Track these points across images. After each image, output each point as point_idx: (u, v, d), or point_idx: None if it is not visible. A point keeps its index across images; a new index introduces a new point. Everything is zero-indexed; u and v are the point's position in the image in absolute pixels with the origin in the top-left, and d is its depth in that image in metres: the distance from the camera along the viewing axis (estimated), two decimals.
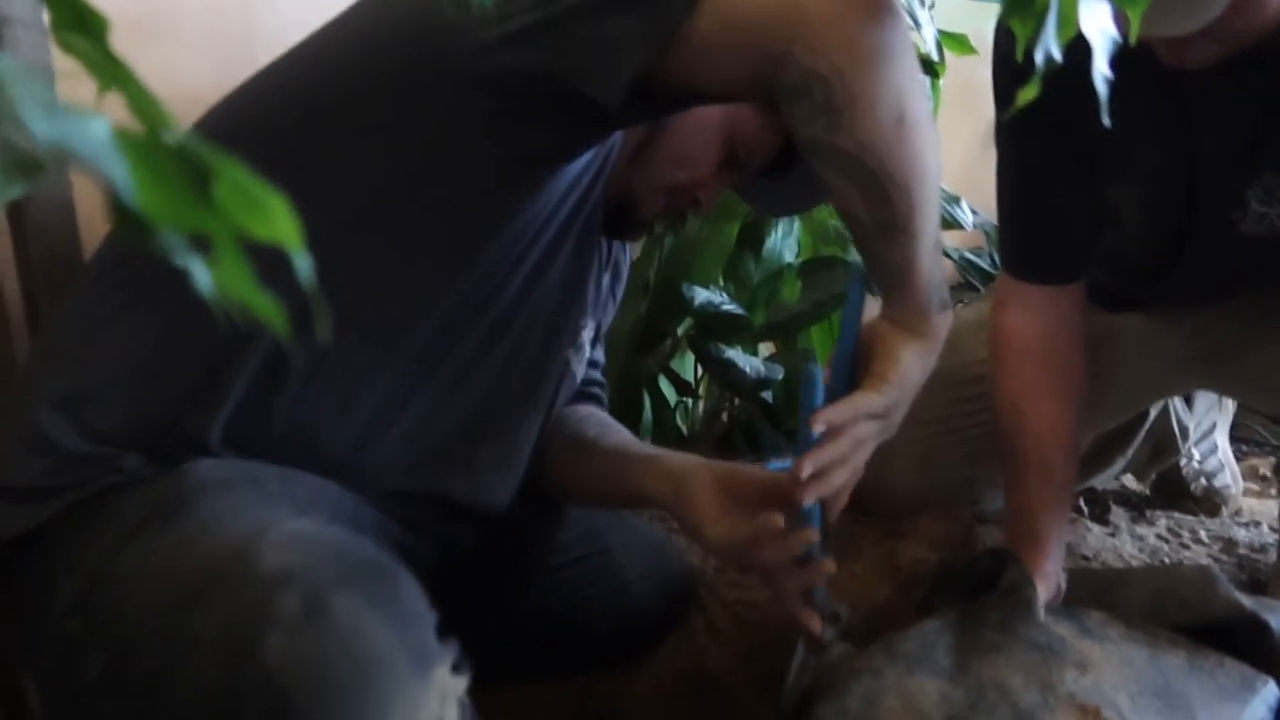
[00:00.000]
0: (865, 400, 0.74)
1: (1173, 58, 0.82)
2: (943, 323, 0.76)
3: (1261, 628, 0.88)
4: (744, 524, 0.78)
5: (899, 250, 0.73)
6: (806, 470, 0.73)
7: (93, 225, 0.89)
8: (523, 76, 0.67)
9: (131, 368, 0.67)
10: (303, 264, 0.23)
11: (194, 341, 0.68)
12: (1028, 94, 0.49)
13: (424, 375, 0.76)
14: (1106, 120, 0.49)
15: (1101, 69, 0.47)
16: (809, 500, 0.75)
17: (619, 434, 0.96)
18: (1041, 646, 0.84)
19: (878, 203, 0.70)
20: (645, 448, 0.93)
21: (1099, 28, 0.48)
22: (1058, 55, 0.48)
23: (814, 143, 0.68)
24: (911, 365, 0.76)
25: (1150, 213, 0.96)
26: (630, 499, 0.91)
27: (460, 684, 0.54)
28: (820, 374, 0.78)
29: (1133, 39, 0.50)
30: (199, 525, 0.56)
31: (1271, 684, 0.84)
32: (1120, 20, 0.49)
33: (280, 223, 0.22)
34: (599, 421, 0.99)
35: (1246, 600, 0.90)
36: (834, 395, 0.77)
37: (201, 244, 0.24)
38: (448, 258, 0.74)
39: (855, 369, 0.79)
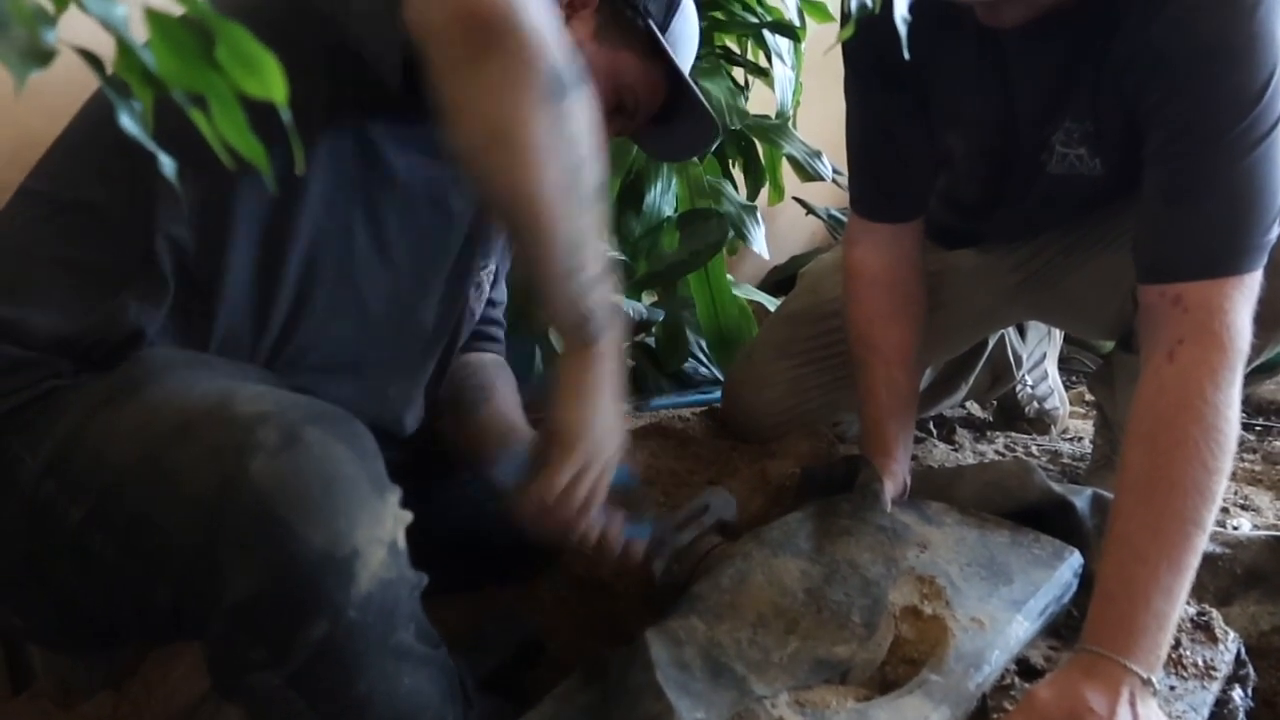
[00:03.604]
0: (549, 481, 0.79)
1: (989, 18, 0.95)
2: (595, 352, 0.76)
3: (1068, 508, 1.03)
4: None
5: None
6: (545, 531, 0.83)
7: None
8: None
9: (61, 283, 0.71)
10: (285, 116, 0.31)
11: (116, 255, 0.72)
12: (844, 34, 0.60)
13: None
14: (906, 54, 0.60)
15: (901, 12, 0.58)
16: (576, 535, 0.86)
17: (491, 400, 1.03)
18: (887, 530, 0.97)
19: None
20: (504, 422, 1.00)
21: None
22: (870, 3, 0.59)
23: None
24: (569, 410, 0.77)
25: (976, 157, 1.10)
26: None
27: (407, 516, 0.63)
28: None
29: None
30: (167, 392, 0.63)
31: (1076, 554, 0.99)
32: None
33: (272, 81, 0.30)
34: (483, 380, 1.05)
35: (1057, 487, 1.06)
36: None
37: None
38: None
39: None
